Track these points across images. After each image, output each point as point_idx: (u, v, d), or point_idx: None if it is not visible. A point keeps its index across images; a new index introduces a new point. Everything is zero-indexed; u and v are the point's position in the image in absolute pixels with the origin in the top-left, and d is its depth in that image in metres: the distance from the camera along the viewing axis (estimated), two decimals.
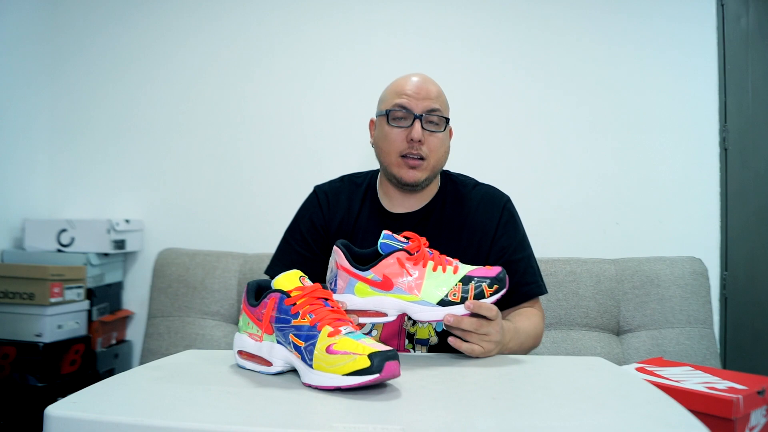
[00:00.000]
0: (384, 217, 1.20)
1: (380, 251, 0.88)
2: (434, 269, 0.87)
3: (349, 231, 1.20)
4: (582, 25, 1.98)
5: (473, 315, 0.87)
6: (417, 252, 0.87)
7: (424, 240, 0.91)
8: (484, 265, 0.92)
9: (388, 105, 1.16)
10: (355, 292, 0.87)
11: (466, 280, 0.87)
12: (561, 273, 1.74)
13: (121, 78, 2.11)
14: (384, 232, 0.90)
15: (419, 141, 1.12)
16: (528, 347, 1.07)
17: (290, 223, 1.25)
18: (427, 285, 0.86)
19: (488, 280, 0.87)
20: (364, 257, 0.90)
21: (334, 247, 0.92)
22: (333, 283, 0.90)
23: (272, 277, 0.81)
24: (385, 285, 0.86)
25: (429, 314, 0.86)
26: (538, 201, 1.92)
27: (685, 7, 1.95)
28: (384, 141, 1.16)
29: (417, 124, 1.12)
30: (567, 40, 1.98)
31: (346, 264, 0.88)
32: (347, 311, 0.86)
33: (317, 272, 1.13)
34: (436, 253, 0.90)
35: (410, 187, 1.17)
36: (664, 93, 1.95)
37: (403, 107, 1.14)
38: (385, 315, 0.87)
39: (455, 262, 0.90)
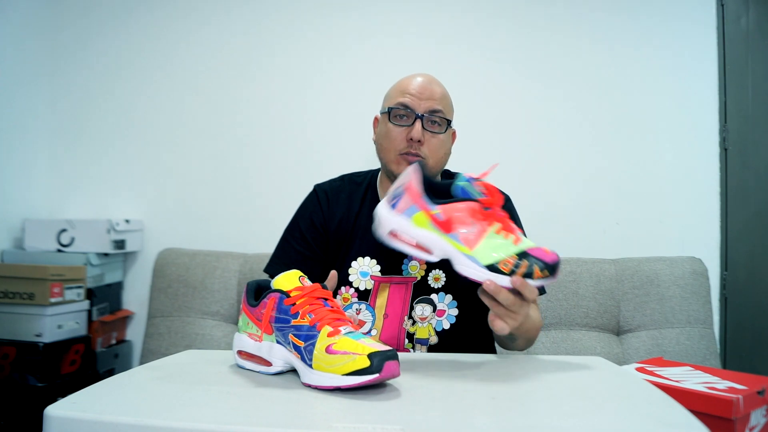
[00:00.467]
0: None
1: (452, 194, 0.84)
2: (498, 231, 0.82)
3: (349, 230, 1.20)
4: (582, 25, 1.98)
5: (512, 291, 0.84)
6: (490, 208, 0.83)
7: (501, 197, 0.86)
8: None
9: (391, 103, 1.16)
10: (413, 220, 0.83)
11: (522, 255, 0.82)
12: (561, 273, 1.74)
13: (121, 78, 2.11)
14: (465, 174, 0.86)
15: (419, 141, 1.12)
16: (532, 337, 1.07)
17: (290, 222, 1.25)
18: (484, 244, 0.82)
19: (542, 264, 0.83)
20: (438, 188, 0.86)
21: (414, 165, 0.87)
22: (395, 199, 0.86)
23: (271, 276, 0.80)
24: (445, 227, 0.82)
25: (473, 272, 0.82)
26: (538, 201, 1.92)
27: (685, 7, 1.95)
28: (385, 138, 1.17)
29: (417, 124, 1.12)
30: (567, 41, 1.98)
31: (418, 189, 0.84)
32: (396, 236, 0.84)
33: (316, 271, 1.13)
34: (506, 215, 0.86)
35: None
36: (664, 93, 1.95)
37: (405, 106, 1.14)
38: (430, 253, 0.83)
39: (519, 233, 0.85)
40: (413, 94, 1.14)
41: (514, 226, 0.86)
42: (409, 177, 0.86)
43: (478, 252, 0.82)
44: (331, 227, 1.20)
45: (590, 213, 1.95)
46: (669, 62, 1.95)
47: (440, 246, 0.83)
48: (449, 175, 1.27)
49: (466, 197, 0.84)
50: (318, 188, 1.27)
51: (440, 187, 0.86)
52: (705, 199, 1.93)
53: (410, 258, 1.14)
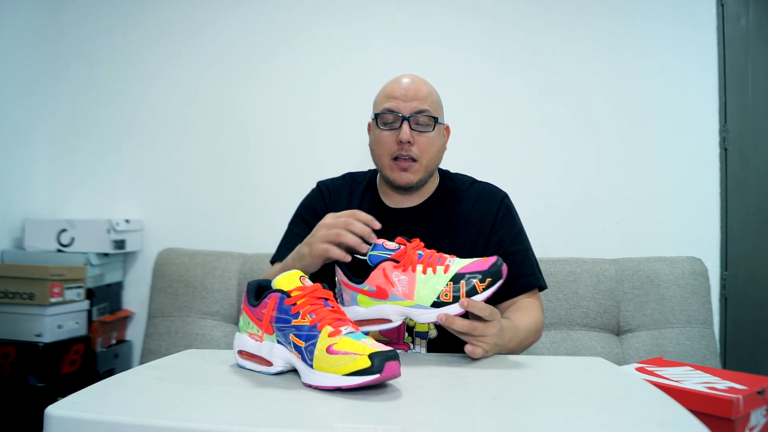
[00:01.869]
0: (383, 212, 1.21)
1: (369, 263, 0.89)
2: (424, 272, 0.87)
3: None
4: (582, 25, 1.98)
5: (471, 314, 0.87)
6: (402, 259, 0.88)
7: (416, 242, 0.91)
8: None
9: (378, 109, 1.19)
10: (359, 303, 0.90)
11: (456, 278, 0.86)
12: (561, 273, 1.74)
13: (121, 78, 2.11)
14: (374, 242, 0.91)
15: (408, 142, 1.14)
16: (529, 343, 1.07)
17: (293, 215, 1.27)
18: (419, 289, 0.86)
19: (479, 275, 0.85)
20: (359, 265, 0.92)
21: (335, 266, 0.94)
22: (340, 297, 0.93)
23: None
24: (381, 294, 0.88)
25: (426, 317, 0.87)
26: (538, 201, 1.92)
27: (685, 7, 1.95)
28: (376, 144, 1.19)
29: (405, 126, 1.14)
30: (567, 41, 1.98)
31: (344, 279, 0.91)
32: (357, 322, 0.87)
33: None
34: (428, 253, 0.89)
35: (405, 189, 1.19)
36: (664, 93, 1.95)
37: (391, 110, 1.16)
38: (390, 321, 0.89)
39: (449, 259, 0.89)
40: (398, 97, 1.16)
41: (440, 256, 0.89)
42: (337, 274, 0.94)
43: (419, 297, 0.86)
44: None
45: (590, 213, 1.95)
46: (669, 62, 1.95)
47: (391, 311, 0.88)
48: (448, 176, 1.27)
49: (380, 261, 0.88)
50: (321, 184, 1.30)
51: (361, 264, 0.92)
52: (705, 199, 1.92)
53: None
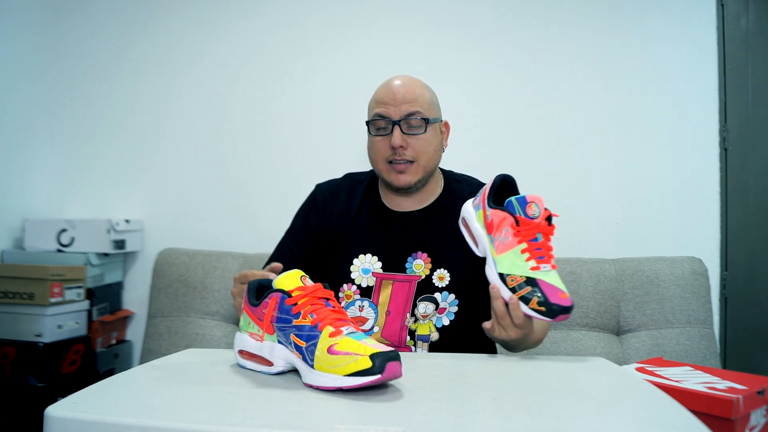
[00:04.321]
0: (385, 214, 1.21)
1: (505, 204, 0.96)
2: (522, 251, 0.92)
3: (349, 227, 1.20)
4: (582, 25, 1.98)
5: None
6: (522, 228, 0.93)
7: (543, 225, 0.94)
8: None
9: (370, 115, 1.19)
10: (477, 215, 1.00)
11: (530, 281, 0.91)
12: (561, 273, 1.73)
13: (120, 78, 2.11)
14: (525, 195, 0.95)
15: (401, 147, 1.13)
16: (529, 347, 1.08)
17: (291, 221, 1.27)
18: (508, 255, 0.93)
19: (543, 298, 0.89)
20: (503, 196, 0.98)
21: (498, 175, 1.01)
22: (477, 198, 1.03)
23: None
24: (490, 228, 0.97)
25: (490, 272, 0.95)
26: None
27: (685, 7, 1.95)
28: (371, 150, 1.19)
29: (396, 131, 1.14)
30: (567, 41, 1.98)
31: (487, 191, 1.00)
32: (465, 223, 1.02)
33: (307, 272, 1.14)
34: (538, 243, 0.94)
35: (404, 191, 1.18)
36: (664, 93, 1.95)
37: (381, 116, 1.15)
38: (477, 246, 1.00)
39: (546, 265, 0.93)
40: (387, 102, 1.15)
41: (547, 255, 0.94)
42: (489, 182, 1.02)
43: (500, 259, 0.94)
44: (329, 226, 1.21)
45: (590, 213, 1.95)
46: (669, 62, 1.95)
47: (483, 243, 0.98)
48: (452, 178, 1.27)
49: (509, 211, 0.94)
50: (317, 188, 1.29)
51: (504, 196, 0.98)
52: (705, 199, 1.92)
53: (414, 257, 1.15)
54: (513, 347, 1.04)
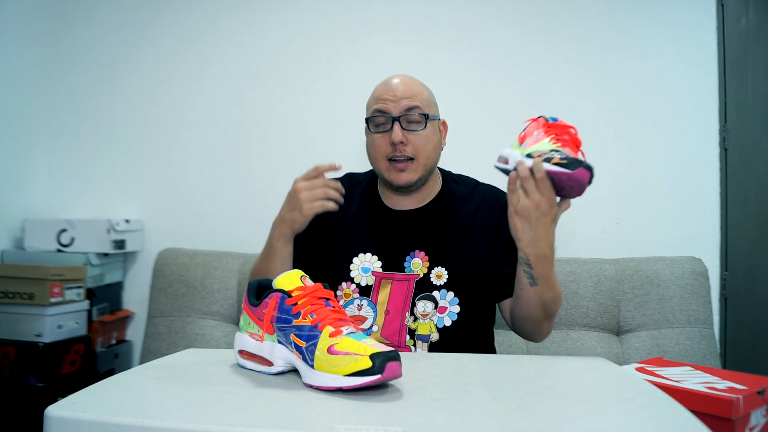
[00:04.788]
0: (384, 213, 1.21)
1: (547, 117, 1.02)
2: (551, 141, 0.98)
3: (348, 226, 1.20)
4: (581, 25, 1.98)
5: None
6: (552, 126, 0.99)
7: (574, 134, 0.99)
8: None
9: (369, 113, 1.19)
10: (512, 146, 1.06)
11: (556, 151, 0.96)
12: (561, 273, 1.74)
13: (121, 78, 2.10)
14: (558, 119, 1.01)
15: (401, 142, 1.13)
16: (557, 308, 1.11)
17: None
18: (535, 145, 0.99)
19: (564, 156, 0.94)
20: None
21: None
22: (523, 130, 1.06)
23: None
24: (521, 139, 1.04)
25: (512, 156, 1.01)
26: None
27: (685, 7, 1.95)
28: (371, 148, 1.19)
29: (396, 127, 1.14)
30: (566, 41, 1.98)
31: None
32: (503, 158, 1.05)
33: (306, 266, 1.14)
34: (567, 140, 0.98)
35: (404, 190, 1.18)
36: (664, 93, 1.95)
37: (381, 112, 1.16)
38: (507, 163, 1.03)
39: (565, 149, 0.97)
40: (387, 98, 1.16)
41: (574, 143, 0.98)
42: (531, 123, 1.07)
43: (526, 149, 0.99)
44: (327, 224, 1.21)
45: (590, 213, 1.95)
46: (669, 62, 1.95)
47: (514, 156, 1.01)
48: (450, 178, 1.27)
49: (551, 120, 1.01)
50: None
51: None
52: (705, 199, 1.92)
53: (412, 255, 1.15)
54: (548, 299, 1.04)
